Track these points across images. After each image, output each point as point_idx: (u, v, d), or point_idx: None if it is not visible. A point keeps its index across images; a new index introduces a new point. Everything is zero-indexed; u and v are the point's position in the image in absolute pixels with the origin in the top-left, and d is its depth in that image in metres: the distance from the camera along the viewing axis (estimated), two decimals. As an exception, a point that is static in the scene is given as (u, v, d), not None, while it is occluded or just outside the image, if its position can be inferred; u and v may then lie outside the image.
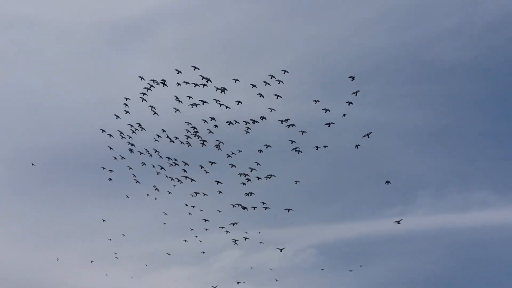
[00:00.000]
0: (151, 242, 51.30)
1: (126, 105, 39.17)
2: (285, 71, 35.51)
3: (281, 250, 36.65)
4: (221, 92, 35.94)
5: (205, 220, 42.80)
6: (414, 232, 50.94)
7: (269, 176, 38.47)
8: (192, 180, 41.38)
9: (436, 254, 51.34)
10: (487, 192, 53.68)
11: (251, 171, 38.29)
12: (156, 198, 42.90)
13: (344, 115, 33.68)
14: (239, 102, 36.66)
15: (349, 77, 31.77)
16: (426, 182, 52.29)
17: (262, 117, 37.59)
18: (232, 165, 38.79)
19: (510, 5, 52.80)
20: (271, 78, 35.83)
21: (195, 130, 39.53)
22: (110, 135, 40.93)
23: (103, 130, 40.12)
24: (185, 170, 41.14)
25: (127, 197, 42.43)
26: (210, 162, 39.59)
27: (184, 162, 40.29)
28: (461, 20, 51.54)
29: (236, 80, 35.59)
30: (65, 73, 66.06)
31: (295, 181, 37.84)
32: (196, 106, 36.79)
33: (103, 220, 44.52)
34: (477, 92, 53.64)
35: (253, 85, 35.32)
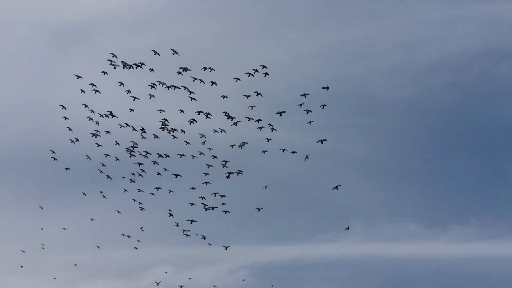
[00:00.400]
0: (83, 252, 49.54)
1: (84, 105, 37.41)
2: (224, 96, 35.13)
3: (226, 248, 36.29)
4: (200, 82, 34.63)
5: (142, 229, 41.82)
6: (346, 259, 52.19)
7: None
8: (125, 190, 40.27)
9: (366, 281, 52.65)
10: (416, 225, 55.96)
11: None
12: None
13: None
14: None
15: (323, 87, 32.01)
16: (360, 211, 53.85)
17: (203, 136, 37.14)
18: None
19: (447, 49, 55.81)
20: (223, 98, 35.45)
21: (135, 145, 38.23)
22: (75, 139, 39.06)
23: (69, 129, 38.08)
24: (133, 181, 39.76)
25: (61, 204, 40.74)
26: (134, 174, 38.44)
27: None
28: (402, 59, 53.66)
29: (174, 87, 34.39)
30: (1, 71, 63.38)
31: (264, 186, 37.26)
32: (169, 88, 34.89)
33: (41, 229, 42.59)
34: (412, 129, 55.92)
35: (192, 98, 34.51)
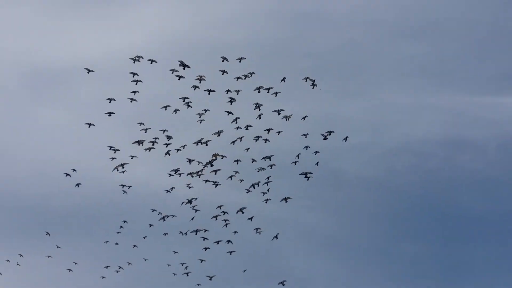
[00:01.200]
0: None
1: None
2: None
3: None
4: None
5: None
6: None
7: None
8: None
9: None
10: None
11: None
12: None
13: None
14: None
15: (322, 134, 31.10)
16: (315, 284, 53.37)
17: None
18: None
19: (412, 134, 57.71)
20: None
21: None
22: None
23: (67, 174, 36.01)
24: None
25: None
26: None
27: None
28: (369, 139, 54.97)
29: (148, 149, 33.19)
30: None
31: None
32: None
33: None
34: (374, 208, 56.56)
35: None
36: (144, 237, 36.41)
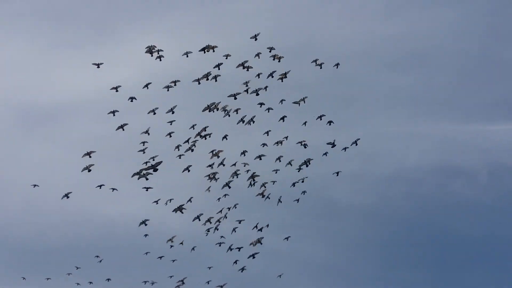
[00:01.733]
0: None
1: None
2: None
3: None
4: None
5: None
6: None
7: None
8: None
9: None
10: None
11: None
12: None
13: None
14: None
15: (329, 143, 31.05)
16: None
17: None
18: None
19: (404, 162, 58.24)
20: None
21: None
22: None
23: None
24: None
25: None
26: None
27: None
28: (361, 168, 55.45)
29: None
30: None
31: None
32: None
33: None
34: (368, 236, 56.70)
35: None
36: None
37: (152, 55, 29.60)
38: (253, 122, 30.73)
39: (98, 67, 31.21)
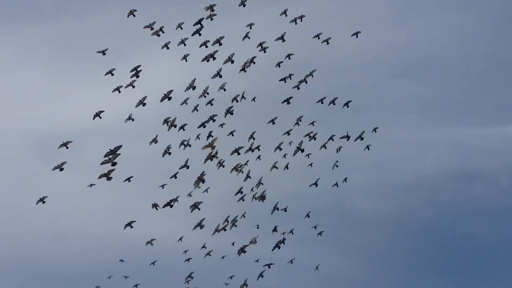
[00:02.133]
0: None
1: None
2: None
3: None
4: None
5: None
6: None
7: None
8: None
9: None
10: None
11: None
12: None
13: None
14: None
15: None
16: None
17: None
18: None
19: (422, 170, 57.90)
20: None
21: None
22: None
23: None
24: None
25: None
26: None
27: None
28: (379, 178, 55.32)
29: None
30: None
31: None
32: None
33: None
34: (390, 246, 56.31)
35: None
36: None
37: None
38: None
39: (104, 54, 31.01)
